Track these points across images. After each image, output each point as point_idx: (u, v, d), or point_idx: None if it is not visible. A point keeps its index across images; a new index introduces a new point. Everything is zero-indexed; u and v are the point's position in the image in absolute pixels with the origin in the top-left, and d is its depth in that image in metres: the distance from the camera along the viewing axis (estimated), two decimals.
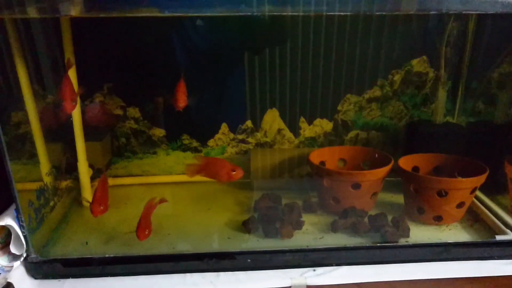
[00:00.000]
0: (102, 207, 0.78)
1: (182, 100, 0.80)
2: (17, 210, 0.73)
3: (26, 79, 0.79)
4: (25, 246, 0.74)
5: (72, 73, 0.85)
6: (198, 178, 1.08)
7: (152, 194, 1.02)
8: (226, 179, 0.80)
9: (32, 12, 0.70)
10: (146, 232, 0.77)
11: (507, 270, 0.78)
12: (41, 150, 0.86)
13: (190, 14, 0.86)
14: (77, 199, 0.98)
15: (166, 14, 0.66)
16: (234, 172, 0.79)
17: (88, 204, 0.79)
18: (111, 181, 1.05)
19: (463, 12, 0.66)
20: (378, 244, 0.81)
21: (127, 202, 1.00)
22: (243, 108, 1.07)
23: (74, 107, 0.77)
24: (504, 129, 0.99)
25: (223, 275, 0.76)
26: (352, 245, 0.80)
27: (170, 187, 1.08)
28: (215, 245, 0.84)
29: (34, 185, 0.83)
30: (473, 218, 0.91)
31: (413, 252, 0.80)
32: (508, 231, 0.82)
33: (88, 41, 0.92)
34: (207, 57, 1.02)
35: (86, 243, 0.83)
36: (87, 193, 0.96)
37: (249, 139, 1.09)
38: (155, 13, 0.67)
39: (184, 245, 0.83)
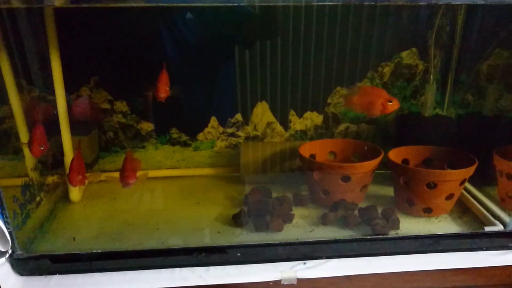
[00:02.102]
0: (80, 177, 0.77)
1: (163, 91, 0.79)
2: (1, 206, 0.71)
3: (10, 72, 0.77)
4: (10, 242, 0.73)
5: (57, 67, 0.84)
6: (187, 172, 1.09)
7: (141, 189, 1.02)
8: (380, 110, 0.75)
9: (15, 2, 0.68)
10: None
11: (496, 261, 0.78)
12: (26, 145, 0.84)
13: (176, 4, 0.85)
14: (65, 195, 0.96)
15: (152, 4, 0.65)
16: (391, 103, 0.75)
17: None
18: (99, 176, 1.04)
19: (452, 3, 0.66)
20: (368, 237, 0.80)
21: (116, 197, 0.98)
22: (233, 102, 1.06)
23: (41, 152, 0.76)
24: (493, 121, 1.00)
25: (213, 270, 0.76)
26: (342, 238, 0.80)
27: (159, 182, 1.06)
28: (204, 239, 0.83)
29: (19, 181, 0.81)
30: (463, 209, 0.91)
31: (403, 244, 0.80)
32: (496, 222, 0.82)
33: (73, 33, 0.90)
34: (196, 50, 1.01)
35: (74, 238, 0.82)
36: (74, 188, 0.95)
37: (239, 133, 1.09)
38: (140, 3, 0.66)
39: (173, 239, 0.82)
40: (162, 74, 0.80)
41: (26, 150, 0.84)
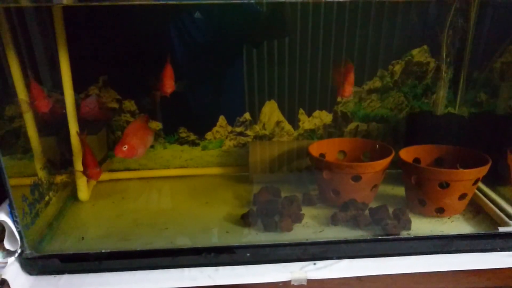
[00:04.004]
0: (98, 169, 0.78)
1: (169, 86, 0.78)
2: (10, 205, 0.71)
3: (19, 71, 0.77)
4: (19, 241, 0.73)
5: (66, 66, 0.84)
6: (196, 171, 1.09)
7: (149, 188, 1.02)
8: (339, 92, 0.83)
9: (24, 1, 0.68)
10: (124, 149, 0.77)
11: (510, 262, 0.77)
12: (35, 145, 0.84)
13: (182, 2, 0.84)
14: (73, 194, 0.96)
15: (158, 2, 0.64)
16: (343, 89, 0.80)
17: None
18: (108, 176, 1.04)
19: None
20: (379, 237, 0.79)
21: (125, 196, 0.98)
22: (241, 100, 1.05)
23: (47, 105, 0.78)
24: (506, 120, 0.98)
25: (222, 270, 0.75)
26: (352, 238, 0.79)
27: (167, 181, 1.06)
28: (213, 239, 0.82)
29: (28, 180, 0.81)
30: (476, 209, 0.90)
31: (415, 245, 0.79)
32: (511, 222, 0.81)
33: (82, 32, 0.90)
34: (205, 50, 1.01)
35: (82, 238, 0.82)
36: (83, 187, 0.95)
37: (248, 132, 1.08)
38: (147, 1, 0.65)
39: (182, 239, 0.82)
40: (167, 68, 0.79)
41: (35, 150, 0.84)
